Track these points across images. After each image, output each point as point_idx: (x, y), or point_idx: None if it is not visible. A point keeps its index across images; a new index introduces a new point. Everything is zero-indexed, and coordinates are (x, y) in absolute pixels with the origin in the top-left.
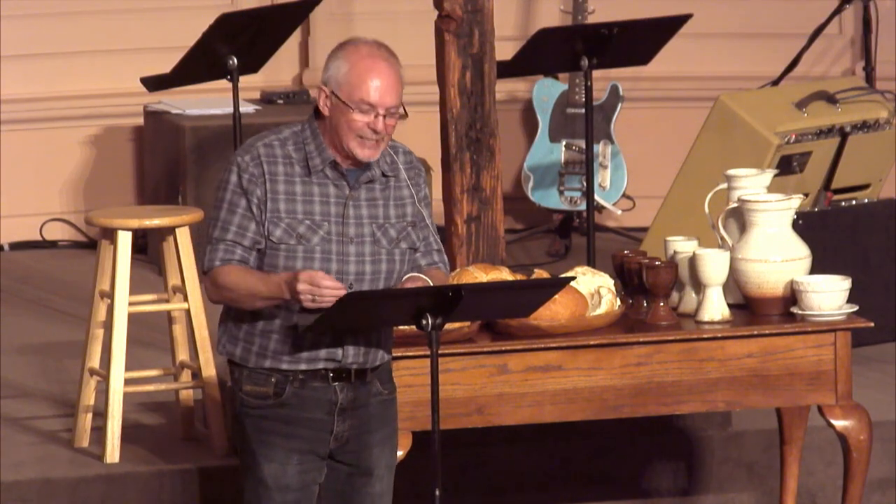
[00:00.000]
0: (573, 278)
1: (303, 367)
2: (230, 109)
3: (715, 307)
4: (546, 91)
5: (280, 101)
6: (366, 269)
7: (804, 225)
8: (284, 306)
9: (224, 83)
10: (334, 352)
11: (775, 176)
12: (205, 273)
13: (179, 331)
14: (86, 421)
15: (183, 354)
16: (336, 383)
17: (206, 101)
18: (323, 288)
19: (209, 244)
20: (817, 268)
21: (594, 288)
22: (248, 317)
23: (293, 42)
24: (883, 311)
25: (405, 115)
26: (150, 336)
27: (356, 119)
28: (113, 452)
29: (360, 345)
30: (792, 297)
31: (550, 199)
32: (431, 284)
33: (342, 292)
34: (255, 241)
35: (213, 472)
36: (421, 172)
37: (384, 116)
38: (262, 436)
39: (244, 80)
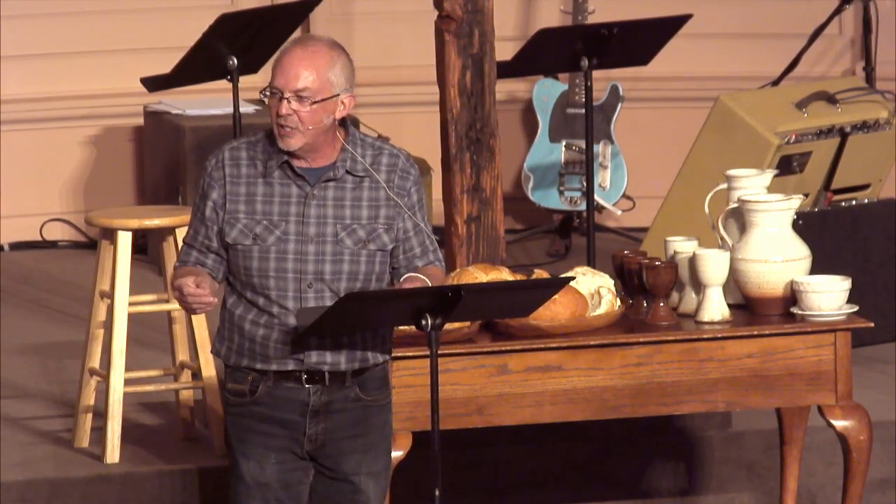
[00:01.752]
0: (573, 278)
1: (273, 367)
2: (230, 109)
3: (715, 307)
4: (546, 91)
5: None
6: (325, 268)
7: (804, 225)
8: (257, 304)
9: (224, 83)
10: (299, 351)
11: (775, 176)
12: None
13: (179, 331)
14: (86, 421)
15: (183, 354)
16: (309, 385)
17: (206, 101)
18: (186, 296)
19: None
20: (817, 268)
21: (594, 288)
22: (228, 316)
23: None
24: (883, 311)
25: (308, 101)
26: (150, 336)
27: (271, 106)
28: (113, 452)
29: (328, 347)
30: (792, 297)
31: (550, 199)
32: (429, 284)
33: (208, 299)
34: (205, 244)
35: (213, 472)
36: (409, 176)
37: (288, 100)
38: (241, 433)
39: (244, 80)
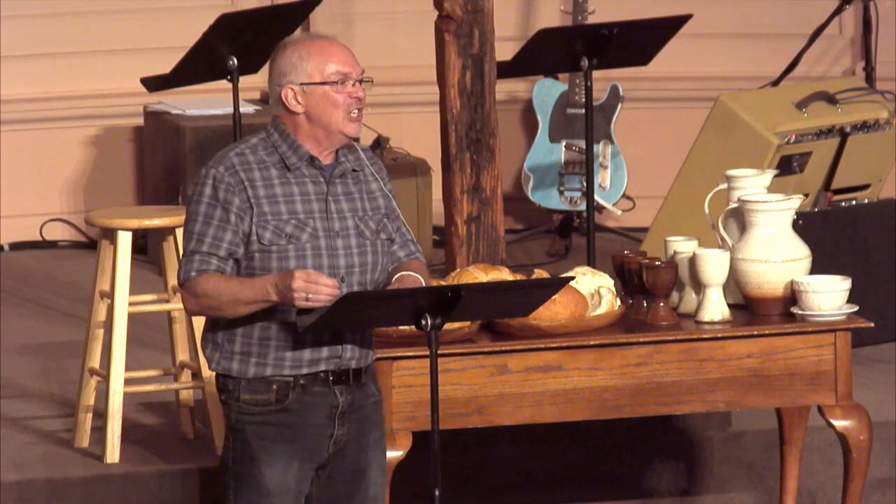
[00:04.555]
0: (573, 278)
1: (304, 371)
2: (230, 109)
3: (715, 307)
4: (546, 91)
5: None
6: (354, 261)
7: (804, 225)
8: (279, 312)
9: (224, 83)
10: (335, 349)
11: (775, 176)
12: (181, 286)
13: (179, 331)
14: (86, 421)
15: (183, 354)
16: (336, 387)
17: (206, 101)
18: (320, 285)
19: (184, 256)
20: (817, 268)
21: (594, 288)
22: (240, 328)
23: None
24: (883, 311)
25: (372, 81)
26: (150, 336)
27: (338, 96)
28: (113, 452)
29: (357, 342)
30: (792, 297)
31: (550, 199)
32: (424, 283)
33: (336, 290)
34: (231, 251)
35: (213, 472)
36: (382, 167)
37: (362, 82)
38: (264, 442)
39: (244, 80)
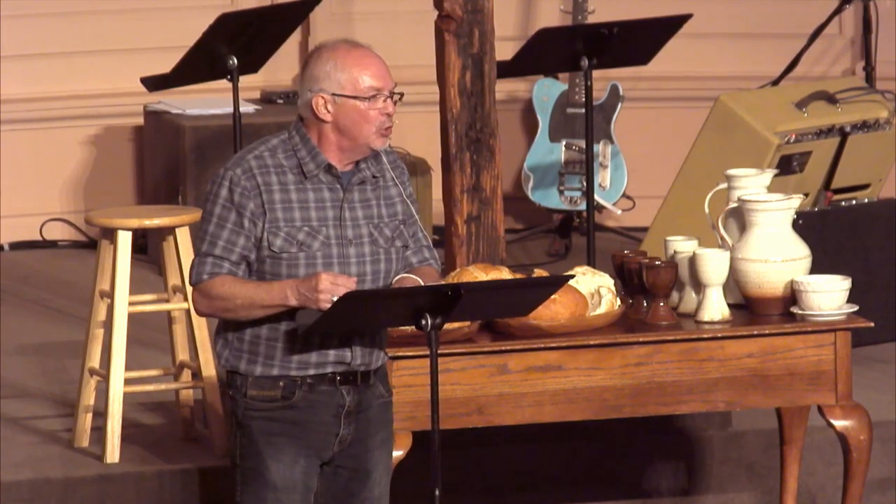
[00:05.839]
0: (572, 276)
1: (311, 371)
2: (230, 109)
3: (715, 307)
4: (546, 91)
5: (280, 101)
6: (367, 269)
7: (804, 225)
8: (288, 314)
9: (224, 83)
10: (343, 354)
11: (775, 176)
12: (193, 286)
13: (179, 331)
14: (86, 421)
15: (183, 354)
16: (343, 386)
17: (206, 101)
18: (342, 286)
19: (197, 257)
20: (817, 268)
21: (594, 288)
22: (248, 328)
23: (293, 42)
24: (883, 311)
25: (402, 96)
26: (150, 336)
27: (370, 111)
28: (113, 452)
29: (366, 346)
30: (792, 297)
31: (550, 199)
32: (422, 284)
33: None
34: (243, 255)
35: (213, 472)
36: (405, 171)
37: (393, 97)
38: (270, 437)
39: (244, 80)
